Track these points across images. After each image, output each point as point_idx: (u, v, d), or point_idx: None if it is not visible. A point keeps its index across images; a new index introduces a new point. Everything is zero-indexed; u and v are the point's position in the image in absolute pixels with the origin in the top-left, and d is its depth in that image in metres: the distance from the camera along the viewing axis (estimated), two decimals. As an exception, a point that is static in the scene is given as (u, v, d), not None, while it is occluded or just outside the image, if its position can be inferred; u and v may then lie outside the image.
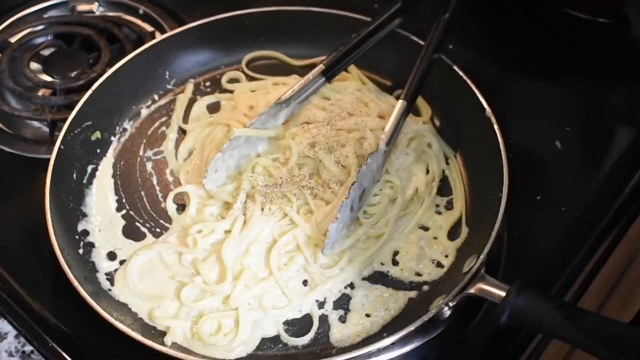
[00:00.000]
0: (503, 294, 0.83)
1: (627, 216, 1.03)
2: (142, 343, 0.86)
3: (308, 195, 0.99)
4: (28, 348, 0.93)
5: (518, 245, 1.00)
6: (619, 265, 1.00)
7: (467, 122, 1.07)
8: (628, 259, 1.01)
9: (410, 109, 1.04)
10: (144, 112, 1.15)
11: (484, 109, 1.03)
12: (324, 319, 0.93)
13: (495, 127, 1.01)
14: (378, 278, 0.96)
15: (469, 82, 1.06)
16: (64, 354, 0.92)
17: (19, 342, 0.93)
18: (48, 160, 1.02)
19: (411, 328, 0.84)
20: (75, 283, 0.90)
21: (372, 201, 1.00)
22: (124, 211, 1.04)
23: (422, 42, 1.08)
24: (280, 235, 0.96)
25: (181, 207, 1.04)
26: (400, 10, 1.11)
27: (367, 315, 0.93)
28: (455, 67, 1.08)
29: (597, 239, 1.01)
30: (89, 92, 1.08)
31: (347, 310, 0.93)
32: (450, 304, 0.86)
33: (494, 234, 0.90)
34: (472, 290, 0.86)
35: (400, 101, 1.01)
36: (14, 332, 0.94)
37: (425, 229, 1.00)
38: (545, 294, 0.83)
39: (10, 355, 0.93)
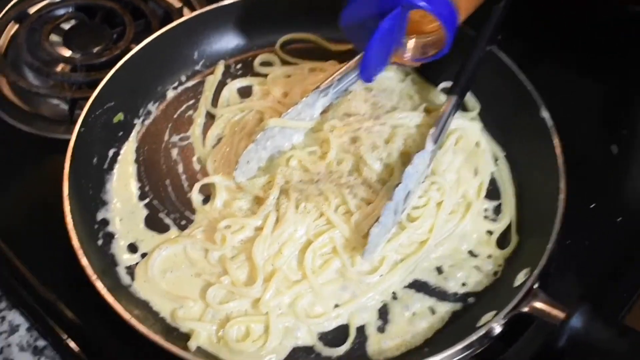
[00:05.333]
0: (561, 315, 0.76)
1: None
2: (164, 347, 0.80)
3: (347, 194, 0.92)
4: (41, 343, 0.88)
5: (568, 257, 0.92)
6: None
7: (519, 121, 0.99)
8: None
9: (460, 104, 0.97)
10: (170, 94, 1.09)
11: (539, 108, 0.95)
12: (361, 329, 0.86)
13: (552, 128, 0.93)
14: (420, 287, 0.89)
15: (523, 78, 0.98)
16: (79, 350, 0.86)
17: (31, 336, 0.88)
18: (66, 141, 0.96)
19: (459, 347, 0.78)
20: (94, 278, 0.84)
21: (417, 204, 0.92)
22: (146, 200, 0.98)
23: (472, 33, 1.00)
24: (316, 236, 0.89)
25: (207, 198, 0.97)
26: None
27: (408, 327, 0.86)
28: (509, 62, 1.00)
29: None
30: (113, 70, 1.02)
31: (386, 320, 0.87)
32: (502, 322, 0.80)
33: (549, 246, 0.83)
34: (526, 309, 0.80)
35: (451, 96, 0.94)
36: (26, 324, 0.89)
37: (472, 235, 0.93)
38: (609, 319, 0.77)
39: (22, 349, 0.88)
